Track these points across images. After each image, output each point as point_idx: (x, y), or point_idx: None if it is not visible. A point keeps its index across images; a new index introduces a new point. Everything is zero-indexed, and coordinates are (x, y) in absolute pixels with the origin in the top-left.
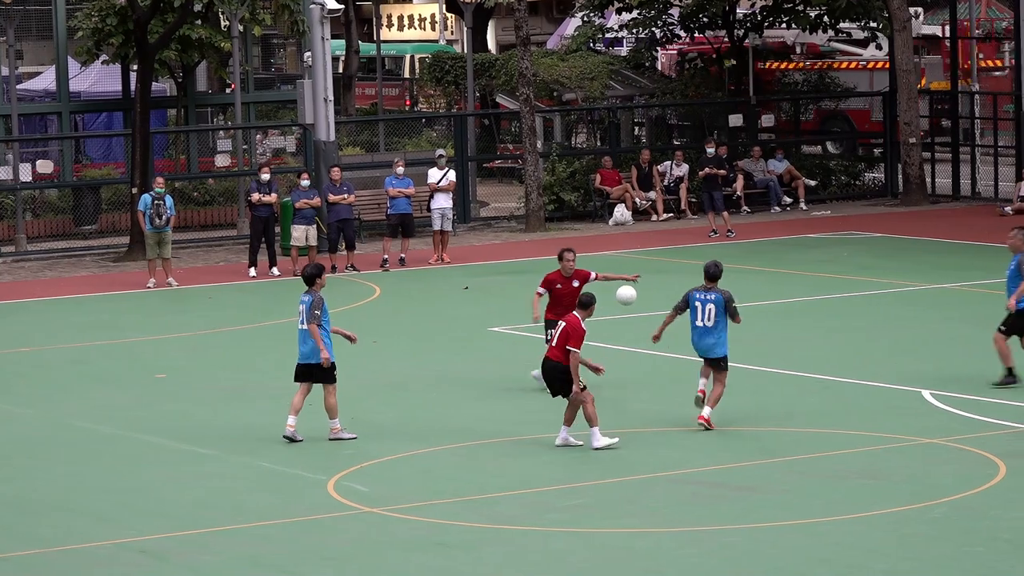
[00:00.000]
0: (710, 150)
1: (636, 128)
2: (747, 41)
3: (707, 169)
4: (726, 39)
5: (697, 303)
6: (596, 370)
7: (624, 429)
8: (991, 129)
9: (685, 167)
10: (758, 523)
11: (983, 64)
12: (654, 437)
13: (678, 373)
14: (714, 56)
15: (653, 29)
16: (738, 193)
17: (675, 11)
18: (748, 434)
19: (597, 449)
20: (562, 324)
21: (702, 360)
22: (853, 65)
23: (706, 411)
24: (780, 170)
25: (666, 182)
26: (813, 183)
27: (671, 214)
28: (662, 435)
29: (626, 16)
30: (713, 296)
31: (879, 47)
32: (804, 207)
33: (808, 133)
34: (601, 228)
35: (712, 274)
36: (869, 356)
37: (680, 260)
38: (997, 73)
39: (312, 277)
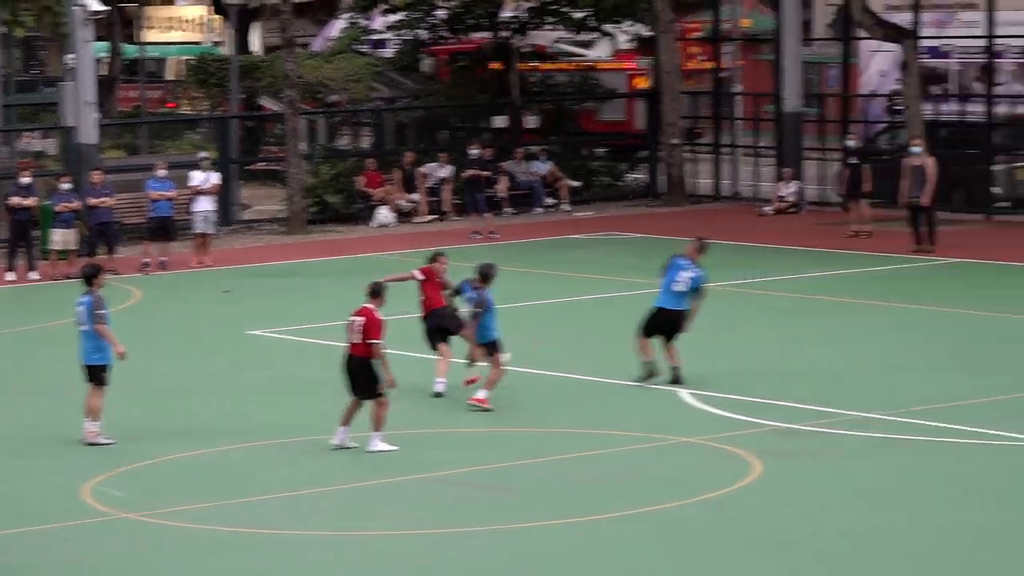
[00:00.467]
0: (474, 152)
1: (400, 129)
2: (512, 42)
3: (470, 172)
4: (492, 40)
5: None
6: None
7: (391, 431)
8: (752, 129)
9: (449, 169)
10: (518, 523)
11: (702, 66)
12: (420, 438)
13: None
14: (479, 58)
15: (418, 31)
16: (502, 194)
17: (441, 13)
18: (512, 435)
19: (372, 453)
20: (359, 319)
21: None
22: (614, 67)
23: (481, 393)
24: (543, 171)
25: (429, 184)
26: (576, 184)
27: (435, 216)
28: (428, 436)
29: (392, 18)
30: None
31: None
32: (567, 208)
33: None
34: (364, 230)
35: (485, 275)
36: (628, 356)
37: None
38: (723, 74)
39: (90, 277)
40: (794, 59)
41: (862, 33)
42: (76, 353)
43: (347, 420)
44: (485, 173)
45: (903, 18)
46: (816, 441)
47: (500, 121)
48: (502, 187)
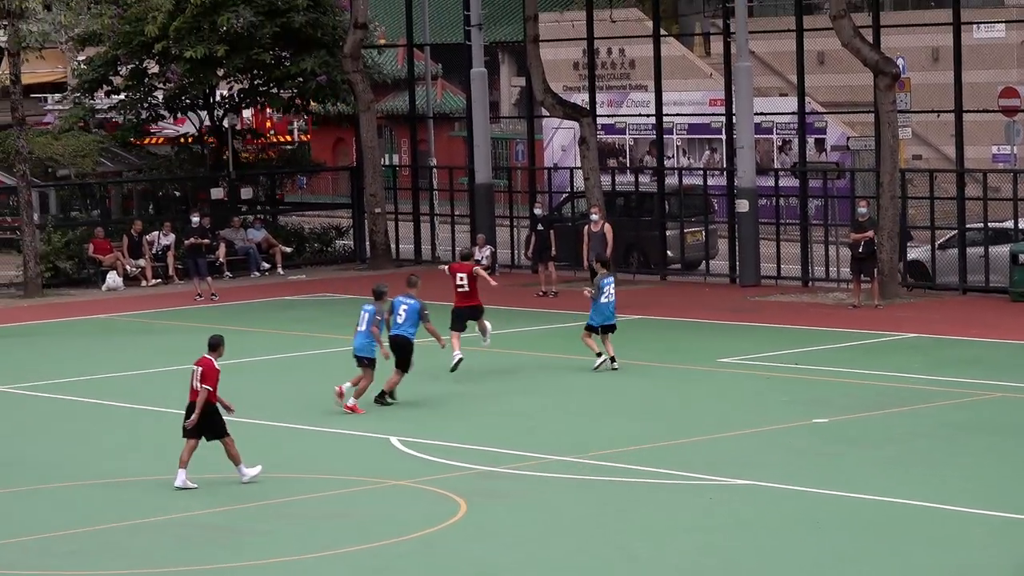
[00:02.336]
0: (194, 219)
1: (127, 200)
2: (225, 122)
3: (192, 239)
4: (207, 120)
5: (364, 312)
6: (228, 409)
7: (115, 479)
8: (448, 199)
9: (172, 236)
10: (243, 562)
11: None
12: (142, 484)
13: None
14: (197, 136)
15: (140, 110)
16: (221, 260)
17: (160, 94)
18: (231, 481)
19: (249, 480)
20: (198, 369)
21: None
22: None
23: (351, 401)
24: (259, 238)
25: (155, 250)
26: (289, 250)
27: (160, 280)
28: (147, 483)
29: (115, 97)
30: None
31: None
32: (282, 272)
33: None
34: (95, 293)
35: (378, 292)
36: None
37: (168, 322)
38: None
39: None
40: (484, 136)
41: (544, 112)
42: None
43: (185, 463)
44: (205, 241)
45: (581, 98)
46: (515, 482)
47: (217, 192)
48: (221, 253)
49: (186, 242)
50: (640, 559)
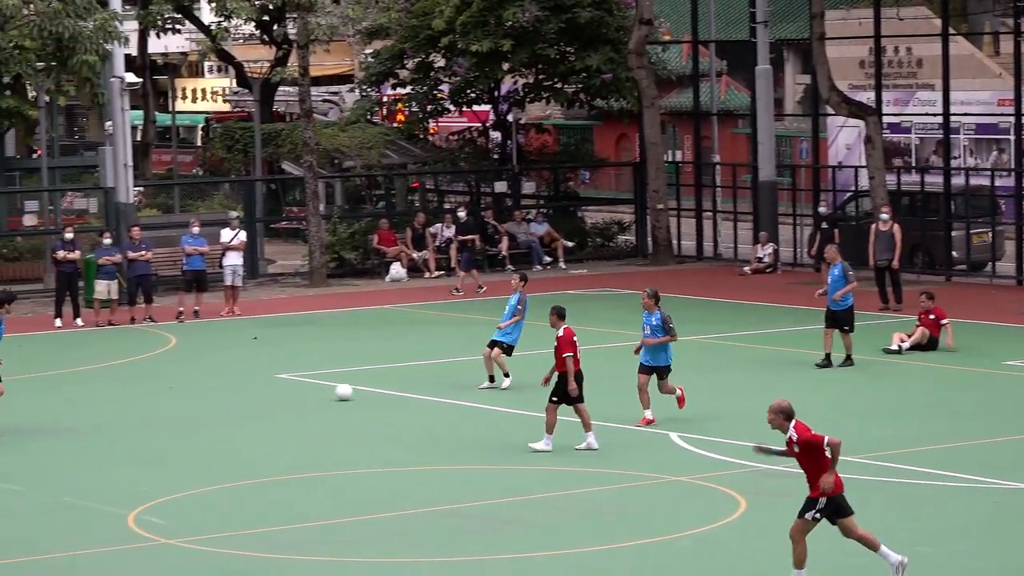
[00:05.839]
0: (461, 214)
1: (410, 193)
2: (510, 116)
3: (458, 236)
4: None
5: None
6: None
7: (399, 467)
8: (731, 196)
9: (454, 228)
10: (518, 554)
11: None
12: (421, 475)
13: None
14: (481, 129)
15: (425, 103)
16: (503, 253)
17: (445, 87)
18: (506, 472)
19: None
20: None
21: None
22: None
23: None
24: (541, 232)
25: (438, 242)
26: (571, 244)
27: (443, 271)
28: (429, 473)
29: (401, 91)
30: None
31: None
32: (563, 266)
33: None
34: (379, 284)
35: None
36: (625, 399)
37: (449, 313)
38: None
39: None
40: (768, 133)
41: (829, 110)
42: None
43: (551, 428)
44: (471, 236)
45: (867, 96)
46: (796, 480)
47: (501, 186)
48: (503, 246)
49: (456, 237)
50: (928, 559)
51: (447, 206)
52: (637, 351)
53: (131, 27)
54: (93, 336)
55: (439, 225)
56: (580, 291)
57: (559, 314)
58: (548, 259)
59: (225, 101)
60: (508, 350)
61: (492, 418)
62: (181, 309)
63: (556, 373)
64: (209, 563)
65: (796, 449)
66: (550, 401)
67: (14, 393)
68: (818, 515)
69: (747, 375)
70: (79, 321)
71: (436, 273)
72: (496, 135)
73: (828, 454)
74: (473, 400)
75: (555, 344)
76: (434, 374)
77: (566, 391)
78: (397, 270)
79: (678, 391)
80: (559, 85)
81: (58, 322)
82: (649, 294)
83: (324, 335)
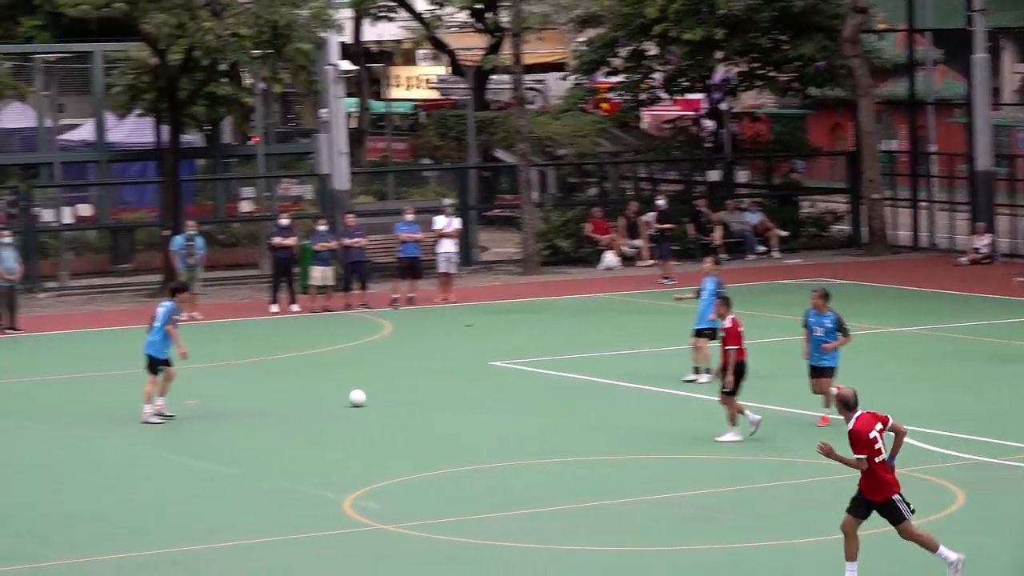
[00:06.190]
0: (660, 202)
1: (623, 181)
2: (723, 104)
3: (656, 225)
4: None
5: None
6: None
7: (614, 456)
8: (947, 186)
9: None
10: (741, 543)
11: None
12: (636, 464)
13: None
14: (694, 118)
15: (638, 92)
16: (717, 242)
17: (658, 76)
18: (731, 462)
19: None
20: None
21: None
22: None
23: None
24: (754, 221)
25: (651, 231)
26: (785, 234)
27: (655, 261)
28: (643, 462)
29: (613, 79)
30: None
31: None
32: (777, 255)
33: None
34: (592, 272)
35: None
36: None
37: (660, 302)
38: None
39: (176, 291)
40: (985, 123)
41: None
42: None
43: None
44: (668, 225)
45: None
46: (1015, 474)
47: (714, 175)
48: (717, 235)
49: (652, 226)
50: None
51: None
52: (807, 355)
53: (346, 15)
54: (308, 322)
55: (652, 213)
56: (792, 280)
57: (726, 303)
58: (761, 248)
59: (431, 88)
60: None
61: (707, 407)
62: (395, 296)
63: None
64: (424, 549)
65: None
66: (724, 394)
67: (231, 377)
68: (912, 508)
69: (965, 368)
70: (295, 307)
71: (649, 262)
72: (709, 123)
73: (851, 456)
74: (684, 389)
75: (722, 335)
76: (647, 363)
77: (739, 380)
78: (610, 258)
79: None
80: (772, 73)
81: (274, 308)
82: (820, 293)
83: (538, 323)
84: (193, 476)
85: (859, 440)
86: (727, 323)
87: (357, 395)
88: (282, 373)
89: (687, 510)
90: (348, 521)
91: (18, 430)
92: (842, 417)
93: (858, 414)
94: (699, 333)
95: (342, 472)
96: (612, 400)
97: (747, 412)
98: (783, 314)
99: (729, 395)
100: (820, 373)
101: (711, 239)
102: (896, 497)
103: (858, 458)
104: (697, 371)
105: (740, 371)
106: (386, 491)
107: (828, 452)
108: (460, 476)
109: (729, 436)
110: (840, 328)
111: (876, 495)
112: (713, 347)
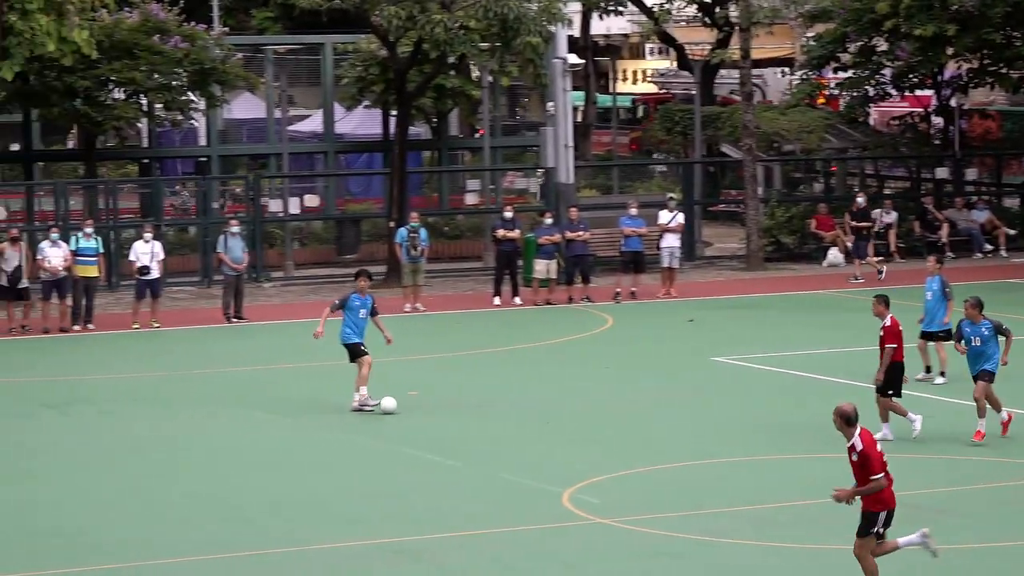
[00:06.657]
0: (860, 200)
1: (849, 177)
2: (952, 101)
3: (852, 223)
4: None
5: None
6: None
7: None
8: None
9: (894, 214)
10: (957, 544)
11: None
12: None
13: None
14: (923, 114)
15: (866, 87)
16: (943, 240)
17: (887, 71)
18: (935, 461)
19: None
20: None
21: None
22: None
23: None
24: (982, 219)
25: (877, 228)
26: (1013, 232)
27: (881, 257)
28: None
29: (842, 75)
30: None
31: None
32: (1004, 254)
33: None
34: (816, 268)
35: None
36: None
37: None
38: None
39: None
40: None
41: None
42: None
43: (887, 416)
44: (865, 224)
45: None
46: None
47: (942, 172)
48: (944, 233)
49: (851, 224)
50: None
51: (887, 191)
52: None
53: (575, 8)
54: (531, 315)
55: (878, 211)
56: (1020, 280)
57: (885, 303)
58: (989, 247)
59: (650, 82)
60: (947, 336)
61: (930, 407)
62: (618, 290)
63: (891, 363)
64: (644, 544)
65: (854, 458)
66: (877, 392)
67: (452, 369)
68: (881, 530)
69: None
70: (517, 299)
71: (875, 259)
72: (938, 120)
73: (871, 482)
74: (909, 389)
75: (880, 334)
76: (866, 361)
77: (898, 381)
78: (835, 255)
79: (1004, 414)
80: (1004, 70)
81: (497, 300)
82: (973, 303)
83: (761, 319)
84: (415, 466)
85: (873, 457)
86: (887, 322)
87: (388, 402)
88: (504, 365)
89: (906, 510)
90: (566, 514)
91: (244, 418)
92: (841, 433)
93: (859, 430)
94: (928, 336)
95: (563, 465)
96: (832, 397)
97: (909, 414)
98: (1010, 313)
99: (885, 395)
100: (980, 379)
101: (938, 237)
102: (883, 514)
103: (874, 479)
104: (929, 370)
105: (898, 371)
106: (606, 485)
107: (847, 496)
108: (681, 471)
109: (882, 433)
110: (1000, 332)
111: (874, 506)
112: (947, 348)
